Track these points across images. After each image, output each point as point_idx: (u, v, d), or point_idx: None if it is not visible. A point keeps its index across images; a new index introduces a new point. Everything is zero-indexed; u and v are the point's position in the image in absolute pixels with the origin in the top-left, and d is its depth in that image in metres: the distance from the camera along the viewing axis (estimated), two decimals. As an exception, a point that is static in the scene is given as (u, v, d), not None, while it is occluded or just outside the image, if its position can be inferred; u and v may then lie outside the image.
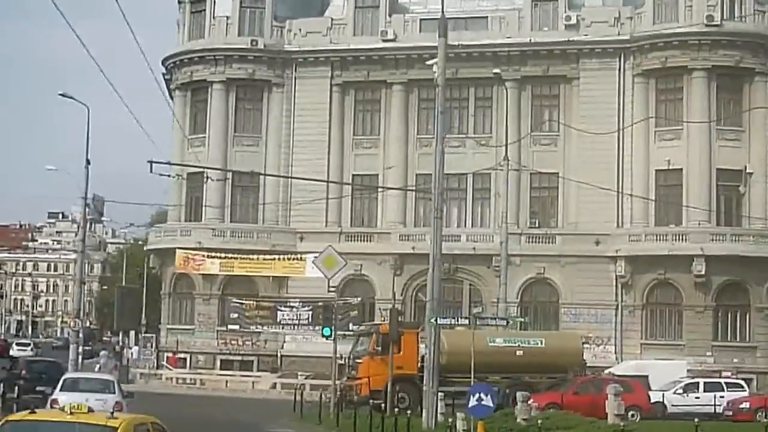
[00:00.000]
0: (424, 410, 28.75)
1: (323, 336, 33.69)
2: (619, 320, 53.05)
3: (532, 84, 55.70)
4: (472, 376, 31.80)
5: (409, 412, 30.25)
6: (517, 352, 38.65)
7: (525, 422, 28.35)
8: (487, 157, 53.95)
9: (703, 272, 51.01)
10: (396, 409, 30.98)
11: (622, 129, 53.59)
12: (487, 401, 21.42)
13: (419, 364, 35.84)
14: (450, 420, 27.35)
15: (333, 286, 35.54)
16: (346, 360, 39.54)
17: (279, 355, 55.74)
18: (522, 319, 33.81)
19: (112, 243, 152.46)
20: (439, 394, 31.00)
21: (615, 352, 52.52)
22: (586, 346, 49.63)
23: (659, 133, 53.69)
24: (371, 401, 35.51)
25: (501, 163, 48.69)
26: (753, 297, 51.90)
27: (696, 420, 25.00)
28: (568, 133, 54.69)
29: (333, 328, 32.25)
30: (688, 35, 52.59)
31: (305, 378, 49.57)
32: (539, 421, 27.37)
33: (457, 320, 27.55)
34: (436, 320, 27.94)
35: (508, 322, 31.73)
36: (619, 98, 54.00)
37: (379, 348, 37.15)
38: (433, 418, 28.67)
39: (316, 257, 34.85)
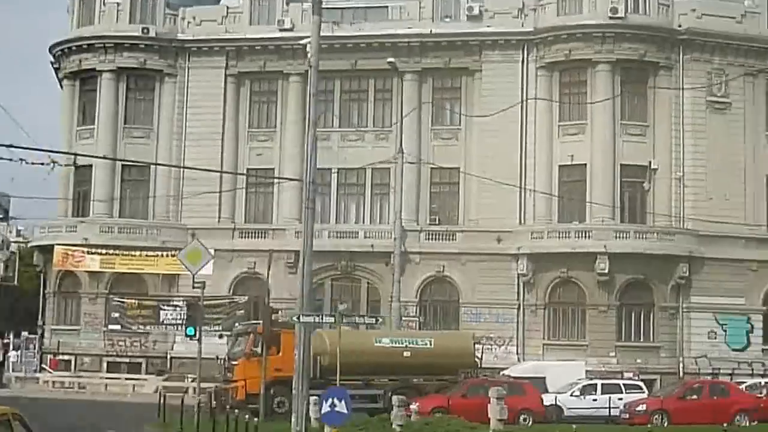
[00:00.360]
0: (293, 415, 26.68)
1: (187, 336, 31.53)
2: (521, 320, 51.44)
3: (433, 76, 53.90)
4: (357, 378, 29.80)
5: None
6: (405, 353, 36.85)
7: (400, 429, 26.55)
8: (387, 152, 51.91)
9: (606, 270, 49.58)
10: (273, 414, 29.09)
11: (525, 123, 52.11)
12: (341, 407, 19.57)
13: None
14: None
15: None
16: (222, 362, 37.46)
17: (168, 356, 53.31)
18: (382, 318, 32.03)
19: (15, 242, 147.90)
20: (312, 397, 28.93)
21: (517, 353, 50.91)
22: (487, 347, 48.32)
23: (563, 128, 52.25)
24: (248, 405, 33.53)
25: (395, 157, 46.89)
26: (657, 296, 50.64)
27: (574, 426, 23.25)
28: (470, 127, 53.06)
29: (198, 327, 30.05)
30: (592, 27, 51.24)
31: (192, 381, 47.19)
32: (416, 427, 25.61)
33: (321, 318, 25.56)
34: (299, 318, 25.87)
35: (377, 320, 29.87)
36: (522, 91, 52.40)
37: (258, 349, 35.09)
38: (303, 423, 26.60)
39: (179, 251, 32.63)
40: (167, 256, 51.64)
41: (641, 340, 50.67)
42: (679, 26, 51.98)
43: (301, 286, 27.24)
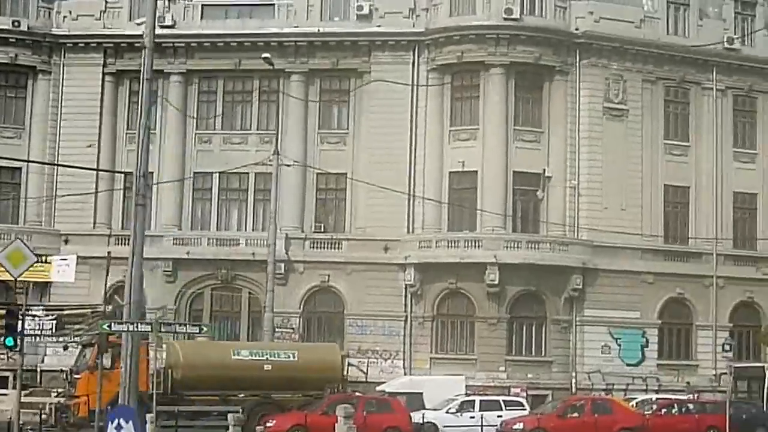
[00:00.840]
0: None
1: (6, 347, 28.71)
2: (408, 332, 49.15)
3: (320, 77, 51.42)
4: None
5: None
6: (265, 367, 34.33)
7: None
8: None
9: (496, 281, 47.52)
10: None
11: (416, 128, 49.99)
12: (128, 428, 16.96)
13: (152, 380, 31.10)
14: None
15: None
16: (66, 375, 34.72)
17: (39, 369, 50.14)
18: (206, 327, 29.45)
19: None
20: (149, 415, 26.41)
21: (404, 367, 48.61)
22: (373, 360, 46.39)
23: (454, 133, 50.15)
24: (91, 423, 30.83)
25: (270, 159, 44.53)
26: (549, 308, 48.74)
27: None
28: (358, 131, 50.81)
29: (17, 337, 27.26)
30: (485, 29, 49.16)
31: (57, 396, 44.20)
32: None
33: (137, 326, 23.01)
34: (110, 326, 23.31)
35: (201, 330, 27.32)
36: (413, 94, 50.17)
37: (105, 361, 32.36)
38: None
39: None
40: (39, 263, 48.49)
41: (533, 354, 48.69)
42: (576, 29, 50.20)
43: (128, 292, 24.66)
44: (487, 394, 40.14)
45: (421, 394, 38.98)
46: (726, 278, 51.36)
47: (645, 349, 49.95)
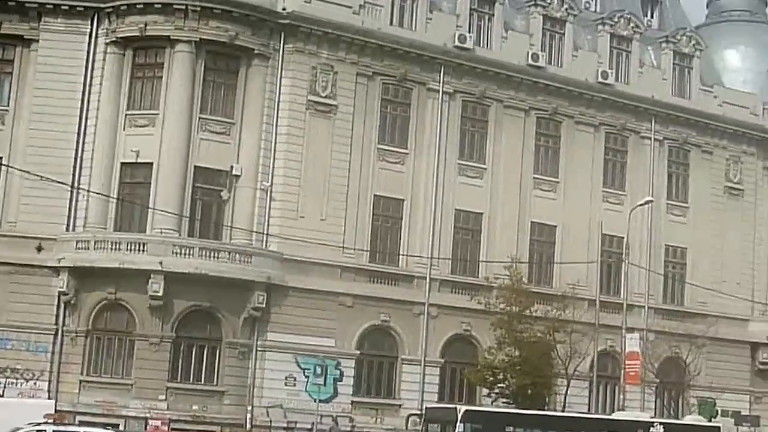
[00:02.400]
0: None
1: None
2: (58, 349, 41.23)
3: (-19, 44, 43.52)
4: None
5: None
6: None
7: None
8: None
9: (160, 293, 40.05)
10: None
11: (88, 109, 42.51)
12: None
13: None
14: None
15: None
16: None
17: None
18: None
19: None
20: None
21: (49, 390, 40.62)
22: (12, 381, 38.61)
23: (131, 118, 42.79)
24: None
25: None
26: (225, 329, 41.52)
27: None
28: (20, 110, 42.96)
29: None
30: (172, -2, 42.08)
31: None
32: None
33: None
34: None
35: None
36: (87, 70, 42.70)
37: None
38: None
39: None
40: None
41: (201, 382, 41.33)
42: (284, 9, 43.53)
43: None
44: (65, 424, 32.36)
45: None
46: (440, 306, 45.09)
47: (339, 383, 43.10)
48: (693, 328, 48.85)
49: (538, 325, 42.22)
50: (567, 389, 43.14)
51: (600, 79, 49.66)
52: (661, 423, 39.22)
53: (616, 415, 40.51)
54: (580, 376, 44.53)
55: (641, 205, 45.87)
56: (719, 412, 49.89)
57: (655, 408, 47.92)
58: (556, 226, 48.46)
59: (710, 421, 49.98)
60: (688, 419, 42.21)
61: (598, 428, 38.22)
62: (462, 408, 35.39)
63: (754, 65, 56.34)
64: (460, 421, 34.39)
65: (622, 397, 43.92)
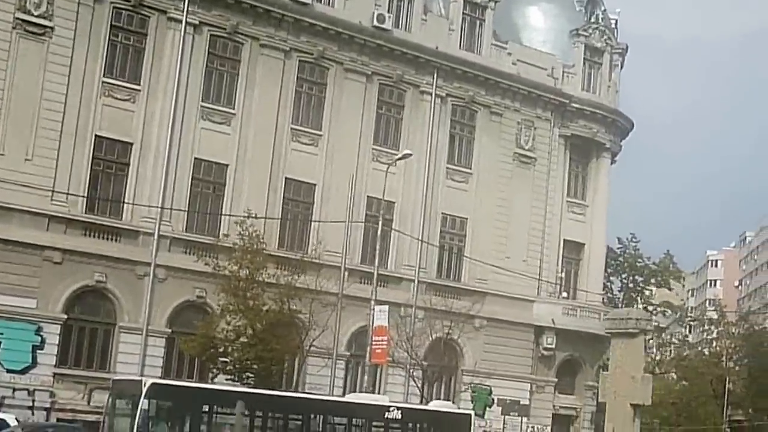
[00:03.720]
0: None
1: None
2: None
3: None
4: None
5: None
6: None
7: None
8: None
9: None
10: None
11: None
12: None
13: None
14: None
15: None
16: None
17: None
18: None
19: None
20: None
21: None
22: None
23: None
24: None
25: None
26: None
27: None
28: None
29: None
30: None
31: None
32: None
33: None
34: None
35: None
36: None
37: None
38: None
39: None
40: None
41: None
42: None
43: None
44: None
45: None
46: (169, 268, 39.32)
47: (39, 351, 36.75)
48: (470, 307, 43.68)
49: (269, 292, 36.43)
50: (301, 366, 37.64)
51: (376, 23, 44.13)
52: (399, 408, 33.98)
53: (349, 398, 35.14)
54: (327, 353, 39.07)
55: (400, 159, 40.55)
56: (495, 401, 45.30)
57: (422, 394, 42.47)
58: (315, 185, 42.77)
59: (484, 410, 45.29)
60: (434, 404, 37.01)
61: (323, 411, 32.76)
62: (148, 381, 29.34)
63: (556, 24, 51.09)
64: (145, 397, 28.50)
65: (366, 378, 38.57)
